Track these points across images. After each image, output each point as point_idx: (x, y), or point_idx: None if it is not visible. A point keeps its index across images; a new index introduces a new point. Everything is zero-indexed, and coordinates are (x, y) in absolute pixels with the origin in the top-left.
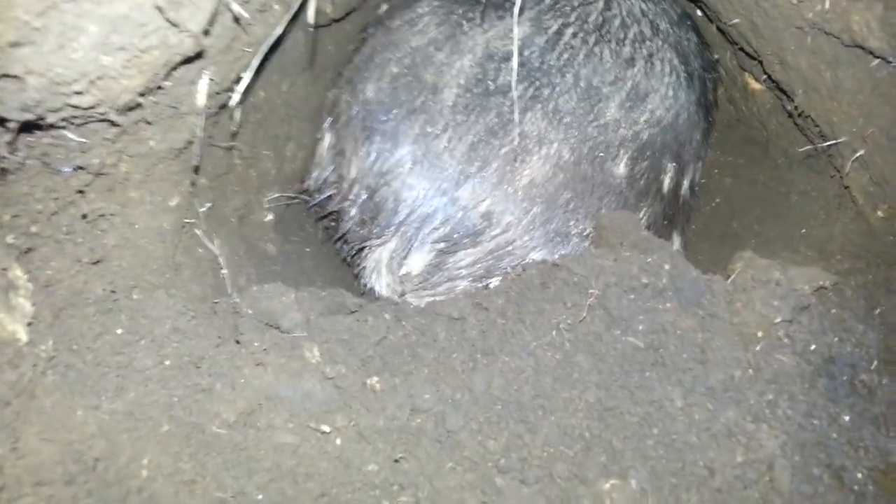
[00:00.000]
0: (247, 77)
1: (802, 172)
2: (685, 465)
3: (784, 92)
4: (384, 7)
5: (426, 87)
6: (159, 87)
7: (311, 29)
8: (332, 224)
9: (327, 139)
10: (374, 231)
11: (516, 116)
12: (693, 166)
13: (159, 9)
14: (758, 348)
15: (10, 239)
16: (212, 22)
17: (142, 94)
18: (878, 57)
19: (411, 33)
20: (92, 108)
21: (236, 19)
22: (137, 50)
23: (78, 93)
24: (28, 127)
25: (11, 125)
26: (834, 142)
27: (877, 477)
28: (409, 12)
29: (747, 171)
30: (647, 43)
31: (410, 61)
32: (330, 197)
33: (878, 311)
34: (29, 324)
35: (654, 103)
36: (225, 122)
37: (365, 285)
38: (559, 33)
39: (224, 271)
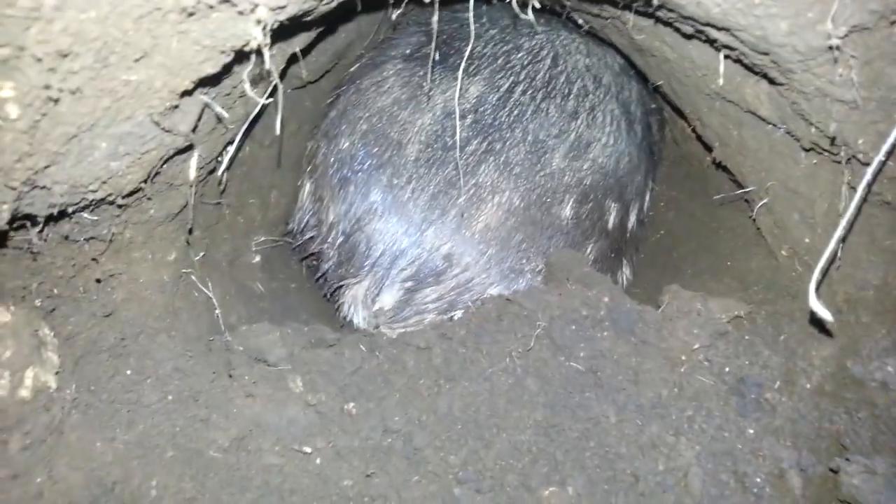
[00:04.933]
0: (230, 152)
1: (730, 210)
2: (615, 473)
3: (704, 144)
4: (355, 66)
5: (392, 143)
6: (157, 173)
7: (290, 89)
8: (314, 264)
9: (307, 187)
10: (350, 271)
11: (460, 175)
12: (638, 203)
13: (156, 122)
14: (682, 370)
15: (37, 303)
16: (199, 120)
17: (143, 182)
18: (769, 123)
19: (378, 94)
20: (103, 199)
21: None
22: (139, 154)
23: (93, 191)
24: (52, 217)
25: (39, 219)
26: (745, 190)
27: (772, 480)
28: (376, 74)
29: (687, 206)
30: (590, 96)
31: (378, 120)
32: (311, 238)
33: (782, 337)
34: (56, 373)
35: (596, 152)
36: (213, 183)
37: (344, 318)
38: (510, 91)
39: (217, 311)
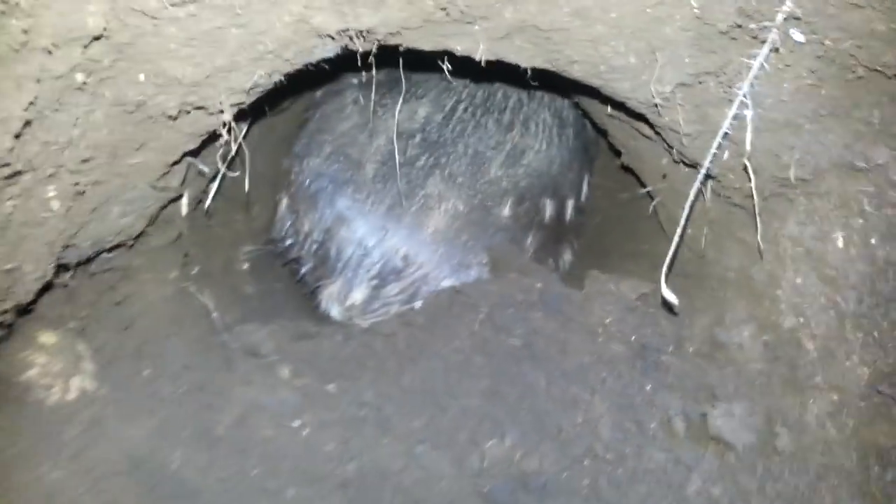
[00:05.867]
0: (213, 189)
1: (646, 201)
2: (544, 426)
3: (615, 150)
4: (319, 92)
5: (353, 162)
6: (157, 217)
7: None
8: (295, 267)
9: (285, 200)
10: (325, 273)
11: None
12: (573, 196)
13: (153, 187)
14: (599, 340)
15: (71, 325)
16: (186, 175)
17: (147, 226)
18: (651, 139)
19: (339, 119)
20: (118, 244)
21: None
22: (143, 209)
23: (110, 241)
24: (80, 263)
25: (72, 266)
26: (646, 189)
27: (663, 425)
28: (337, 100)
29: (618, 196)
30: (525, 108)
31: (340, 142)
32: (290, 245)
33: (675, 310)
34: (93, 378)
35: (530, 157)
36: (202, 210)
37: (323, 312)
38: (453, 109)
39: (214, 314)
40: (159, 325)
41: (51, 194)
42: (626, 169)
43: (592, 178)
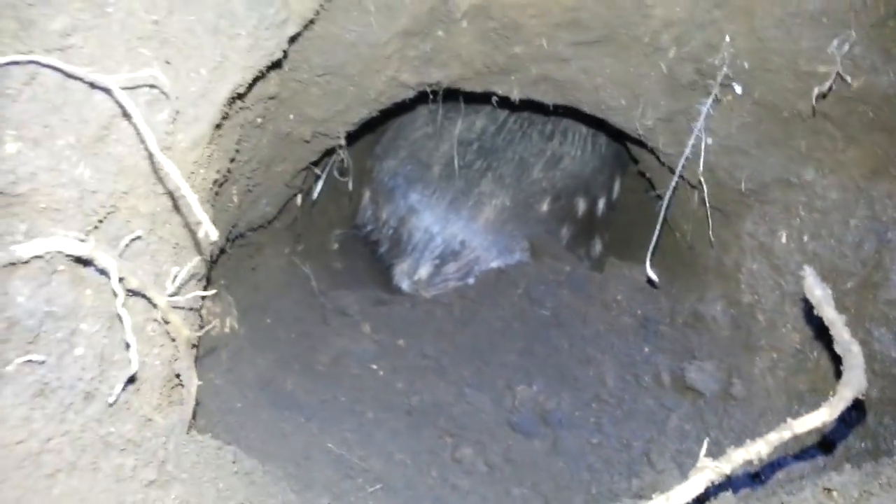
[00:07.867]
0: (319, 186)
1: (657, 201)
2: (563, 377)
3: (634, 159)
4: None
5: (422, 164)
6: (283, 206)
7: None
8: (374, 248)
9: (367, 194)
10: (398, 253)
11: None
12: (604, 195)
13: (287, 185)
14: (613, 313)
15: (223, 282)
16: (305, 177)
17: (277, 214)
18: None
19: (413, 129)
20: (258, 226)
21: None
22: (278, 202)
23: (256, 223)
24: (236, 237)
25: (230, 240)
26: (656, 192)
27: (654, 378)
28: (412, 114)
29: (642, 196)
30: (564, 121)
31: (413, 147)
32: (371, 230)
33: (673, 290)
34: (238, 321)
35: (566, 163)
36: (309, 201)
37: (395, 285)
38: (505, 122)
39: (313, 283)
40: (277, 287)
41: (234, 192)
42: (642, 174)
43: (624, 180)
